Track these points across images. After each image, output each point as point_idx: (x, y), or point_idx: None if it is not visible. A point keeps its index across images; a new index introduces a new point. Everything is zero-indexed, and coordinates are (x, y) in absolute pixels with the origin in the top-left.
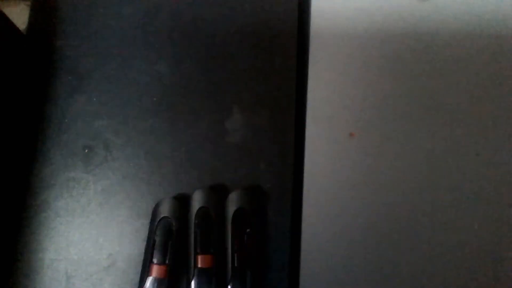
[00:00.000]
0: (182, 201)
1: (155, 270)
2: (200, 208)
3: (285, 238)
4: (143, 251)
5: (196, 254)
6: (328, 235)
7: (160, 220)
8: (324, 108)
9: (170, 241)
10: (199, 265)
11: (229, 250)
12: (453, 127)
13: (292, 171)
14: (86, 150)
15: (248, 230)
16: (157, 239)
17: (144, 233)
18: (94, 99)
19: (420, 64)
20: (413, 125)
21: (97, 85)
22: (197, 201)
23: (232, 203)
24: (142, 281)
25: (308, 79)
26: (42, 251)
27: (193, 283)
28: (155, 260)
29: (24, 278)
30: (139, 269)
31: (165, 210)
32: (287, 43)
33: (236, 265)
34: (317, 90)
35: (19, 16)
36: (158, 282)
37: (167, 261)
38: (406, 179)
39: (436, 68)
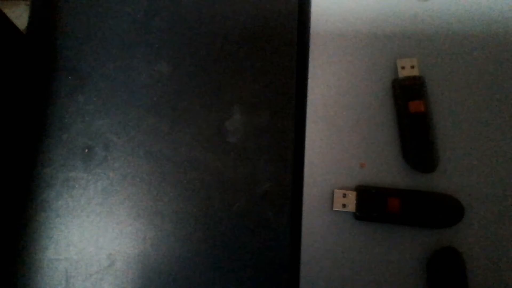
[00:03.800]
0: None
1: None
2: None
3: (285, 238)
4: (143, 251)
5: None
6: (329, 234)
7: None
8: (324, 108)
9: None
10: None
11: None
12: (451, 127)
13: (292, 171)
14: (86, 150)
15: None
16: None
17: (144, 233)
18: (94, 99)
19: (420, 64)
20: None
21: (97, 85)
22: None
23: None
24: None
25: (308, 79)
26: (42, 251)
27: None
28: None
29: (24, 278)
30: (139, 269)
31: None
32: (287, 43)
33: None
34: (317, 90)
35: (19, 16)
36: None
37: None
38: None
39: (436, 68)
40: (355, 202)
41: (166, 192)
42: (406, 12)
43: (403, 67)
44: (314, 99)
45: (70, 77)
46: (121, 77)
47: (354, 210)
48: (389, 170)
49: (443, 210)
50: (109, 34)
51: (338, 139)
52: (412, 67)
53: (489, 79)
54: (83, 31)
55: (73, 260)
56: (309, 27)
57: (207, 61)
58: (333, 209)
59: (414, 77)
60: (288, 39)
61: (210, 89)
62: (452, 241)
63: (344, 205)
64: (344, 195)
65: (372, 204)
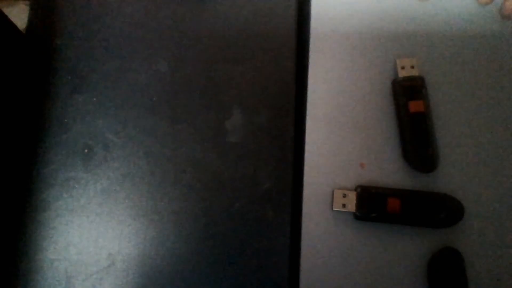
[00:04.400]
0: None
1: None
2: None
3: (285, 238)
4: (143, 251)
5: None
6: (329, 234)
7: None
8: (324, 108)
9: None
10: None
11: None
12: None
13: (292, 171)
14: (86, 150)
15: None
16: None
17: (144, 233)
18: (94, 99)
19: (420, 64)
20: None
21: (97, 85)
22: None
23: None
24: None
25: (308, 79)
26: (42, 251)
27: None
28: None
29: (24, 278)
30: (139, 269)
31: None
32: (287, 43)
33: None
34: (317, 90)
35: (19, 16)
36: None
37: None
38: None
39: (436, 68)
40: (355, 202)
41: (166, 192)
42: (406, 12)
43: (403, 67)
44: (314, 99)
45: (70, 77)
46: (121, 77)
47: (354, 210)
48: (389, 170)
49: (443, 210)
50: (109, 34)
51: (338, 139)
52: (412, 67)
53: (489, 79)
54: (83, 31)
55: (73, 260)
56: (309, 27)
57: (207, 61)
58: (333, 209)
59: (414, 77)
60: (288, 39)
61: (210, 89)
62: (452, 241)
63: (344, 205)
64: (344, 195)
65: (372, 204)
